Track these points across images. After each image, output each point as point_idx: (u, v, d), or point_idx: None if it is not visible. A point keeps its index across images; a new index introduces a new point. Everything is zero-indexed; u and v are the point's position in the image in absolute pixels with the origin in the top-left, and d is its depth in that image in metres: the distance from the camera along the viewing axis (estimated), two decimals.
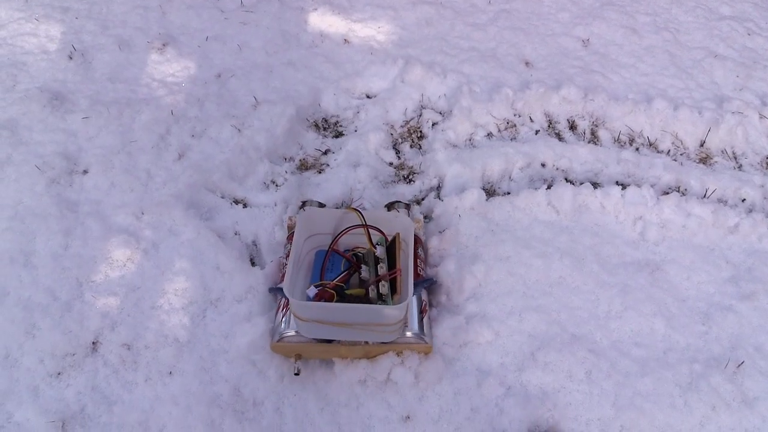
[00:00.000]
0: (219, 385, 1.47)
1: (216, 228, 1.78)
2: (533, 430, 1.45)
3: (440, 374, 1.51)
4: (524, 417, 1.46)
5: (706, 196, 2.04)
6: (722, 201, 2.04)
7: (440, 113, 2.29)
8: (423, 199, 2.00)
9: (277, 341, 1.47)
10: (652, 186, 2.00)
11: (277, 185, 1.98)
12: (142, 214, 1.79)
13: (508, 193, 2.01)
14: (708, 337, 1.65)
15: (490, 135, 2.23)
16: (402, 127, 2.25)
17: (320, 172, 2.06)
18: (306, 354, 1.51)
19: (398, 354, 1.50)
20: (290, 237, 1.70)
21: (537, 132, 2.25)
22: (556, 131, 2.28)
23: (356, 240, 1.55)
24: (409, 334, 1.48)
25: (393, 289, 1.47)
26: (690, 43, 2.68)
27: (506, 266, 1.75)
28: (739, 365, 1.57)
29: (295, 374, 1.46)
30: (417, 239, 1.71)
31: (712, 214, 1.92)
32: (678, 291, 1.75)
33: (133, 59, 2.34)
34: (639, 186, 1.98)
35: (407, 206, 1.82)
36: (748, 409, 1.49)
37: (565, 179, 2.07)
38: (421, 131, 2.24)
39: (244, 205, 1.90)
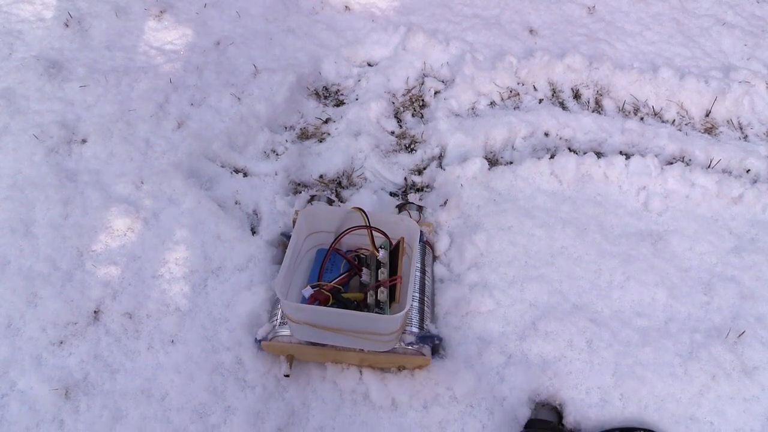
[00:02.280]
0: (221, 353, 1.47)
1: (216, 197, 1.77)
2: (533, 398, 1.46)
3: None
4: (525, 385, 1.46)
5: (711, 166, 2.02)
6: (727, 171, 2.02)
7: (443, 81, 2.26)
8: (425, 169, 1.98)
9: (270, 340, 1.42)
10: (656, 156, 1.98)
11: (277, 154, 1.97)
12: (142, 183, 1.78)
13: (511, 163, 1.99)
14: (709, 307, 1.65)
15: (493, 104, 2.20)
16: (404, 95, 2.22)
17: (321, 141, 2.04)
18: (299, 356, 1.45)
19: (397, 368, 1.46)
20: None
21: (540, 101, 2.22)
22: (560, 100, 2.25)
23: (360, 240, 1.47)
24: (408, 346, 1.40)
25: (392, 296, 1.38)
26: (697, 10, 2.63)
27: (508, 236, 1.74)
28: (739, 335, 1.57)
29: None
30: (428, 243, 1.65)
31: (716, 184, 1.90)
32: (680, 261, 1.74)
33: (130, 26, 2.30)
34: (643, 156, 1.96)
35: (420, 208, 1.74)
36: (748, 379, 1.50)
37: (569, 149, 2.05)
38: (423, 100, 2.21)
39: (245, 174, 1.88)
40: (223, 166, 1.89)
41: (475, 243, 1.70)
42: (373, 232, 1.43)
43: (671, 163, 1.99)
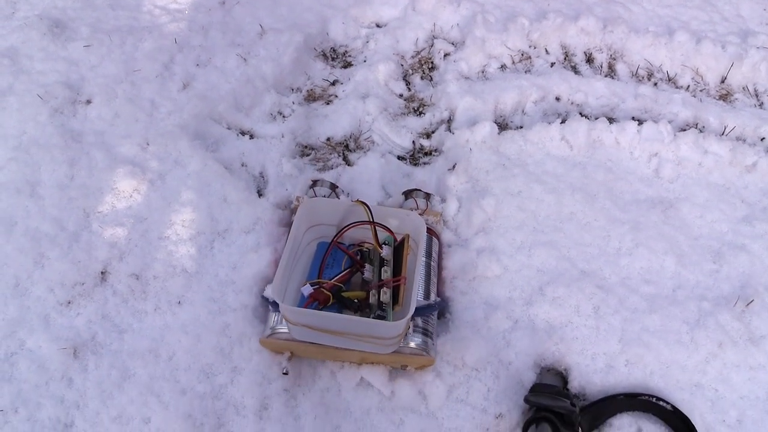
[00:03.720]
0: (227, 314, 1.48)
1: (222, 159, 1.76)
2: (539, 363, 1.46)
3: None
4: (530, 350, 1.46)
5: (725, 133, 1.98)
6: (741, 139, 1.98)
7: (452, 44, 2.22)
8: (433, 132, 1.95)
9: (268, 336, 1.36)
10: (669, 122, 1.94)
11: (284, 116, 1.94)
12: (148, 144, 1.76)
13: (521, 127, 1.96)
14: (718, 276, 1.64)
15: (503, 67, 2.16)
16: (413, 57, 2.18)
17: (328, 104, 2.01)
18: (299, 353, 1.40)
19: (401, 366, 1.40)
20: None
21: (552, 64, 2.17)
22: (572, 64, 2.20)
23: (363, 234, 1.40)
24: (412, 344, 1.33)
25: (395, 298, 1.31)
26: None
27: (517, 201, 1.72)
28: (748, 304, 1.56)
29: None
30: (433, 233, 1.59)
31: (729, 152, 1.87)
32: (690, 229, 1.72)
33: None
34: (656, 122, 1.92)
35: (427, 195, 1.68)
36: (755, 347, 1.49)
37: (580, 114, 2.01)
38: (432, 62, 2.17)
39: (251, 136, 1.86)
40: (229, 128, 1.87)
41: (483, 208, 1.69)
42: (377, 227, 1.36)
43: (684, 130, 1.95)
